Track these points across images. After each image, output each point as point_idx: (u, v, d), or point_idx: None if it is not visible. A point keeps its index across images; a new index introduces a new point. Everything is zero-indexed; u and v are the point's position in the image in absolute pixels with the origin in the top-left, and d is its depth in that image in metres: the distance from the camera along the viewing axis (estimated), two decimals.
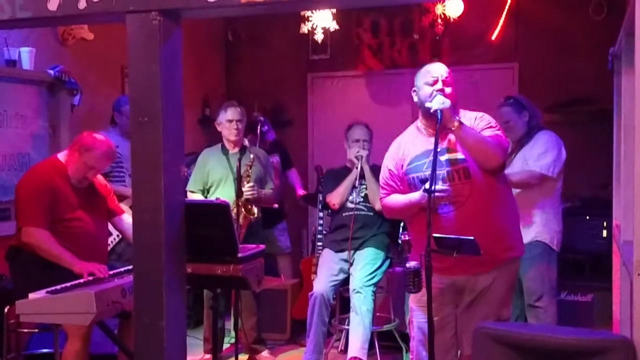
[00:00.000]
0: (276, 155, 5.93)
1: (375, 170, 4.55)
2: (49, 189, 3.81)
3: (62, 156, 4.00)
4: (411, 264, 3.03)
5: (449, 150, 3.35)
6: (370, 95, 6.84)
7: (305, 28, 5.73)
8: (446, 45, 6.38)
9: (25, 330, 4.20)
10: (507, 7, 6.13)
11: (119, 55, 5.19)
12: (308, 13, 5.56)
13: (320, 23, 5.66)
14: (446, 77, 3.38)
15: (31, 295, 3.31)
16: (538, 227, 4.45)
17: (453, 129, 3.27)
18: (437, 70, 3.41)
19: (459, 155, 3.33)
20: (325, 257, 4.92)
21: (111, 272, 3.74)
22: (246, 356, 5.01)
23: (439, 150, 3.24)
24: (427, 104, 3.29)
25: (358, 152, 4.82)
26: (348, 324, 4.75)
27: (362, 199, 4.85)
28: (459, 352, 3.51)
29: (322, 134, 6.99)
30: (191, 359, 4.73)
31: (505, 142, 3.44)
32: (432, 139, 3.25)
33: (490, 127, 3.41)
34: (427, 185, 3.13)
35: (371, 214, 4.83)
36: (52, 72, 4.89)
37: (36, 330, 4.19)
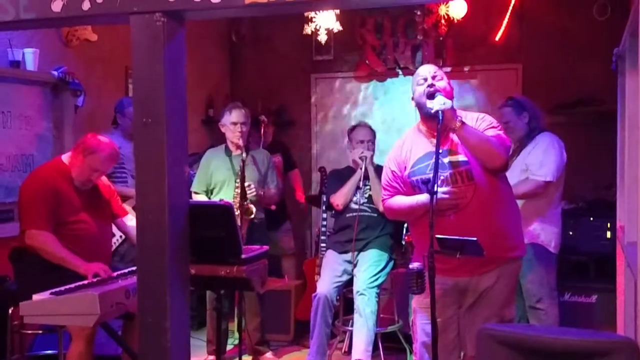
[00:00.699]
0: (278, 155, 5.92)
1: (380, 171, 4.54)
2: (53, 191, 3.81)
3: (65, 158, 4.01)
4: (414, 265, 3.03)
5: (451, 152, 3.35)
6: (373, 96, 6.84)
7: (308, 29, 5.72)
8: (450, 46, 6.37)
9: (29, 332, 4.19)
10: (510, 8, 6.11)
11: (122, 56, 5.22)
12: (312, 14, 5.56)
13: (323, 24, 5.65)
14: (434, 73, 3.40)
15: (35, 297, 3.31)
16: (536, 230, 4.46)
17: (455, 128, 3.26)
18: (424, 70, 3.45)
19: (461, 157, 3.33)
20: (329, 258, 4.91)
21: (115, 273, 3.74)
22: (250, 357, 5.01)
23: (440, 152, 3.24)
24: (429, 105, 3.28)
25: (362, 152, 4.82)
26: (351, 325, 4.75)
27: (366, 200, 4.85)
28: (462, 354, 3.51)
29: (325, 134, 6.99)
30: None
31: (507, 141, 3.44)
32: (434, 141, 3.24)
33: (492, 127, 3.41)
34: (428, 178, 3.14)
35: (375, 215, 4.82)
36: (55, 73, 4.89)
37: (40, 332, 4.19)
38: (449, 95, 3.34)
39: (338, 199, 4.92)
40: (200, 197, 4.78)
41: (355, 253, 4.78)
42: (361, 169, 4.81)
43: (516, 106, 4.58)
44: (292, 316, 5.58)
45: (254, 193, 4.68)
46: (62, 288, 3.39)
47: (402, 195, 3.49)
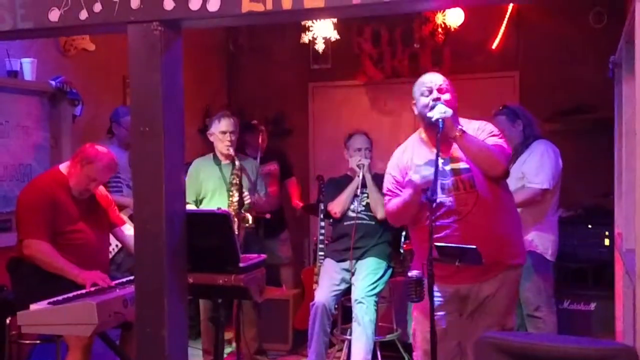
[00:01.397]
0: (274, 163, 5.90)
1: (377, 178, 4.55)
2: (51, 201, 3.81)
3: (63, 167, 4.01)
4: (413, 273, 3.03)
5: (452, 159, 3.36)
6: (371, 105, 6.85)
7: (306, 38, 5.74)
8: (447, 55, 6.38)
9: (27, 342, 4.18)
10: (507, 16, 6.14)
11: (120, 65, 5.21)
12: (309, 23, 5.57)
13: (321, 33, 5.67)
14: (441, 85, 3.37)
15: (32, 306, 3.30)
16: (533, 238, 4.45)
17: (455, 137, 3.27)
18: (431, 80, 3.39)
19: (463, 165, 3.34)
20: (327, 266, 4.91)
21: (113, 282, 3.74)
22: None
23: (443, 160, 3.25)
24: (429, 114, 3.29)
25: (360, 160, 4.82)
26: (350, 334, 4.73)
27: (363, 208, 4.84)
28: None
29: (323, 143, 7.00)
30: None
31: (508, 150, 3.44)
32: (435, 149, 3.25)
33: (493, 135, 3.41)
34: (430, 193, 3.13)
35: (373, 223, 4.82)
36: (53, 82, 4.89)
37: (38, 342, 4.17)
38: (451, 105, 3.33)
39: (336, 206, 4.92)
40: (190, 207, 4.76)
41: (354, 261, 4.77)
42: (359, 176, 4.81)
43: (510, 114, 4.59)
44: (291, 325, 5.56)
45: (249, 201, 4.68)
46: (60, 297, 3.38)
47: (396, 198, 3.49)
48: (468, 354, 3.44)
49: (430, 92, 3.36)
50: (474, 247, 3.05)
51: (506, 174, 3.42)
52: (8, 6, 2.75)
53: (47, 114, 4.93)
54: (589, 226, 5.23)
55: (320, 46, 5.76)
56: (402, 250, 5.10)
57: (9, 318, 3.96)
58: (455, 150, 3.36)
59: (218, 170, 4.86)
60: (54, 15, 2.68)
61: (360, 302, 4.59)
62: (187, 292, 2.79)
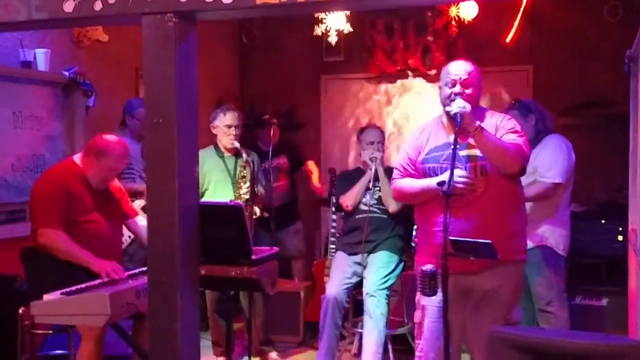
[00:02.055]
0: (283, 157, 5.90)
1: (389, 172, 4.54)
2: (65, 191, 3.83)
3: (77, 158, 4.03)
4: (427, 267, 3.02)
5: (469, 146, 3.35)
6: (383, 98, 6.82)
7: (319, 30, 5.72)
8: (460, 48, 6.34)
9: (40, 332, 4.20)
10: (521, 9, 6.09)
11: (133, 56, 5.23)
12: (322, 15, 5.55)
13: (334, 25, 5.64)
14: (466, 78, 3.37)
15: (46, 297, 3.32)
16: (544, 232, 4.44)
17: (472, 132, 3.26)
18: (457, 70, 3.40)
19: (479, 152, 3.34)
20: (339, 259, 4.90)
21: (126, 273, 3.75)
22: (255, 358, 4.99)
23: (459, 145, 3.24)
24: (447, 108, 3.31)
25: (372, 154, 4.81)
26: (361, 327, 4.74)
27: (375, 202, 4.84)
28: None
29: (335, 136, 6.98)
30: None
31: (526, 149, 3.42)
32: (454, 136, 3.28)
33: (514, 132, 3.40)
34: (443, 179, 3.17)
35: (385, 216, 4.81)
36: (67, 73, 4.90)
37: (50, 332, 4.19)
38: (473, 99, 3.33)
39: (348, 200, 4.91)
40: None
41: (365, 255, 4.77)
42: (371, 170, 4.80)
43: (522, 109, 4.57)
44: (302, 318, 5.57)
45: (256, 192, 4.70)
46: (73, 288, 3.40)
47: (413, 178, 3.50)
48: (474, 351, 3.44)
49: (454, 84, 3.36)
50: (489, 241, 3.04)
51: (520, 173, 3.41)
52: None
53: (60, 104, 4.95)
54: (603, 221, 5.21)
55: (332, 38, 5.73)
56: (413, 244, 5.08)
57: (22, 308, 3.98)
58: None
59: (221, 163, 4.90)
60: (69, 6, 2.68)
61: (371, 296, 4.59)
62: (199, 284, 2.79)
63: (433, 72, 6.39)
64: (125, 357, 4.20)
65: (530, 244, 4.36)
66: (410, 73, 6.62)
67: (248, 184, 4.68)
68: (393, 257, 4.77)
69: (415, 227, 4.94)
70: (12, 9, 2.75)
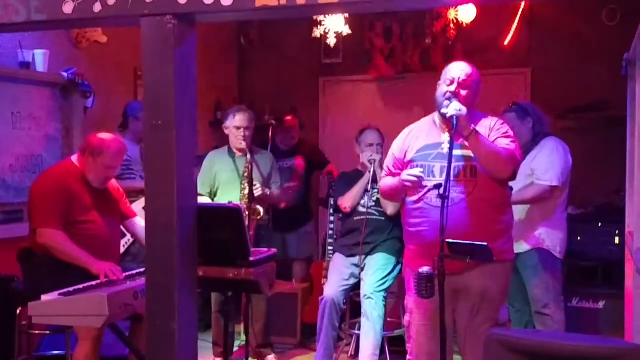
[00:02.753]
0: (299, 158, 5.90)
1: None
2: (64, 191, 3.83)
3: (75, 159, 4.03)
4: (424, 269, 3.02)
5: (462, 146, 3.37)
6: (381, 100, 6.83)
7: (317, 32, 5.72)
8: (458, 51, 6.35)
9: (37, 332, 4.21)
10: (519, 12, 6.11)
11: (131, 58, 5.24)
12: (321, 17, 5.56)
13: (332, 27, 5.66)
14: (464, 79, 3.38)
15: (43, 297, 3.32)
16: (541, 235, 4.44)
17: (467, 136, 3.27)
18: (456, 71, 3.43)
19: (471, 153, 3.36)
20: (336, 261, 4.91)
21: (124, 275, 3.75)
22: None
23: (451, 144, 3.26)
24: (443, 110, 3.32)
25: (371, 156, 4.82)
26: (358, 329, 4.74)
27: (373, 204, 4.84)
28: None
29: (333, 138, 6.99)
30: None
31: (518, 155, 3.45)
32: (445, 135, 3.36)
33: (507, 136, 3.42)
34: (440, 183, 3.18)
35: (383, 218, 4.82)
36: (65, 74, 4.91)
37: (47, 332, 4.20)
38: (469, 102, 3.35)
39: (346, 201, 4.92)
40: (204, 199, 4.78)
41: (363, 257, 4.77)
42: (369, 172, 4.81)
43: (520, 111, 4.57)
44: (299, 319, 5.57)
45: (259, 193, 4.70)
46: (71, 289, 3.39)
47: (391, 177, 3.59)
48: (467, 353, 3.45)
49: (452, 83, 3.38)
50: (485, 244, 3.04)
51: (511, 179, 3.44)
52: None
53: (58, 105, 4.96)
54: (599, 224, 5.21)
55: (331, 41, 5.74)
56: None
57: (20, 308, 3.99)
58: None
59: (232, 163, 4.90)
60: (68, 7, 2.69)
61: (369, 298, 4.59)
62: (197, 286, 2.80)
63: (431, 74, 6.39)
64: (122, 358, 4.20)
65: (527, 247, 4.39)
66: (408, 76, 6.62)
67: (257, 183, 4.69)
68: (391, 259, 4.77)
69: None
70: (12, 10, 2.76)
